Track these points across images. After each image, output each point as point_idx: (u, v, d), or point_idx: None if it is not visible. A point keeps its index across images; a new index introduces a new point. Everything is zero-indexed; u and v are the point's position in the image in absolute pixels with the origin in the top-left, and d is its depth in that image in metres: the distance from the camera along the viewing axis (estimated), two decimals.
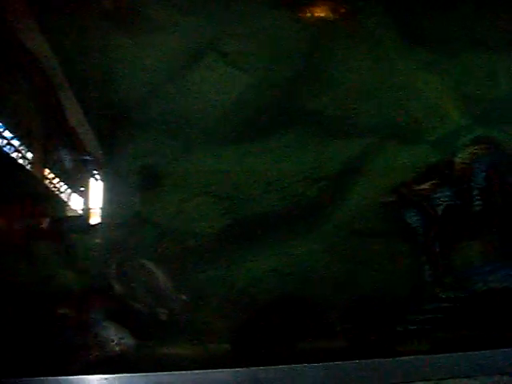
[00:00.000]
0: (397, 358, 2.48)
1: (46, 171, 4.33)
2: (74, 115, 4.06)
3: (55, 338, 2.91)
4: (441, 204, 3.69)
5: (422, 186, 3.75)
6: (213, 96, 3.89)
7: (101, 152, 4.05)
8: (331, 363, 2.41)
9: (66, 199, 4.44)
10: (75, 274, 3.54)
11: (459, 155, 3.81)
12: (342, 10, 4.15)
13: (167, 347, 3.35)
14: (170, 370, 2.37)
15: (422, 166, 3.84)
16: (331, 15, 4.14)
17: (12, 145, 4.26)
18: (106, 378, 2.34)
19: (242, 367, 2.41)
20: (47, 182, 4.32)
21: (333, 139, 3.97)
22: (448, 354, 2.52)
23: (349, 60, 4.02)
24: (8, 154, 4.18)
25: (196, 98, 3.89)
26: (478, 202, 3.69)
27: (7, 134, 4.24)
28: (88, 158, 4.10)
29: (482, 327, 3.30)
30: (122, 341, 3.02)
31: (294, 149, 3.91)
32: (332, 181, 3.93)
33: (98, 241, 3.80)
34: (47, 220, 3.71)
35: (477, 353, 2.55)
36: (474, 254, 3.65)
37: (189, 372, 2.35)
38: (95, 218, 4.02)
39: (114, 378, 2.33)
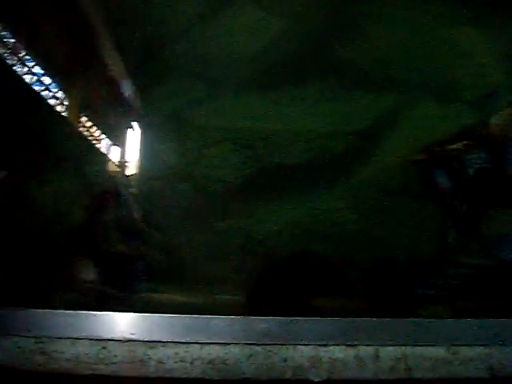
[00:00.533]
0: (410, 319, 2.36)
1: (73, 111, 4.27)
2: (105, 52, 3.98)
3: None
4: (473, 166, 3.51)
5: (455, 146, 3.57)
6: (243, 40, 3.75)
7: (127, 94, 3.96)
8: (341, 319, 2.31)
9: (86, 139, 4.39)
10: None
11: (496, 116, 3.60)
12: None
13: (178, 295, 3.30)
14: (202, 314, 2.30)
15: (456, 125, 3.65)
16: None
17: (48, 88, 4.20)
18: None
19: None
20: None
21: (365, 92, 3.79)
22: (465, 320, 2.39)
23: (386, 10, 3.81)
24: (42, 98, 4.12)
25: (225, 41, 3.76)
26: None
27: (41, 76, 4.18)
28: (114, 99, 4.02)
29: (506, 297, 3.16)
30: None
31: (324, 100, 3.76)
32: (361, 135, 3.78)
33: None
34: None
35: (495, 321, 2.41)
36: (505, 220, 3.47)
37: (193, 316, 2.28)
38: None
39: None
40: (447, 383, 2.17)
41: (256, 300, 3.33)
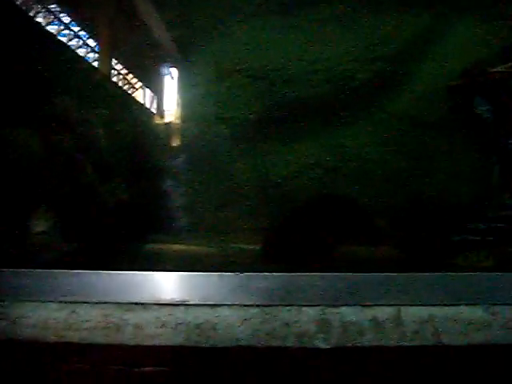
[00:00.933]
0: (439, 273, 1.98)
1: None
2: None
3: None
4: None
5: (499, 69, 3.08)
6: None
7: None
8: (355, 274, 1.94)
9: None
10: None
11: None
12: None
13: (187, 245, 2.99)
14: (190, 271, 1.97)
15: (500, 45, 3.15)
16: None
17: (77, 35, 3.88)
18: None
19: (267, 271, 1.98)
20: None
21: (392, 11, 3.30)
22: (508, 274, 1.99)
23: None
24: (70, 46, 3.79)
25: None
26: None
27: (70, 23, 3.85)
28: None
29: None
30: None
31: (346, 21, 3.29)
32: (390, 61, 3.30)
33: None
34: None
35: None
36: None
37: (179, 273, 1.95)
38: None
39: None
40: (484, 350, 1.80)
41: (274, 249, 3.00)
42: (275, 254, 2.90)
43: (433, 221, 2.96)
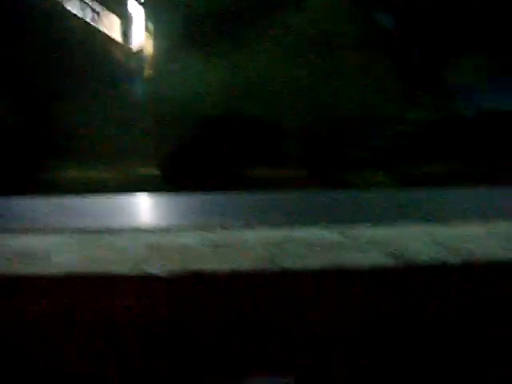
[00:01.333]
0: (297, 193, 1.86)
1: None
2: None
3: None
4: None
5: None
6: None
7: None
8: (190, 193, 1.82)
9: None
10: None
11: None
12: None
13: (81, 171, 2.84)
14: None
15: None
16: None
17: None
18: None
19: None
20: None
21: None
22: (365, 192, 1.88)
23: None
24: None
25: None
26: None
27: None
28: None
29: (461, 159, 2.63)
30: None
31: None
32: None
33: None
34: None
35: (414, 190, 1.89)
36: (466, 68, 2.85)
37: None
38: None
39: None
40: (335, 274, 1.70)
41: (178, 172, 2.88)
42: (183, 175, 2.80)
43: (335, 139, 2.83)
